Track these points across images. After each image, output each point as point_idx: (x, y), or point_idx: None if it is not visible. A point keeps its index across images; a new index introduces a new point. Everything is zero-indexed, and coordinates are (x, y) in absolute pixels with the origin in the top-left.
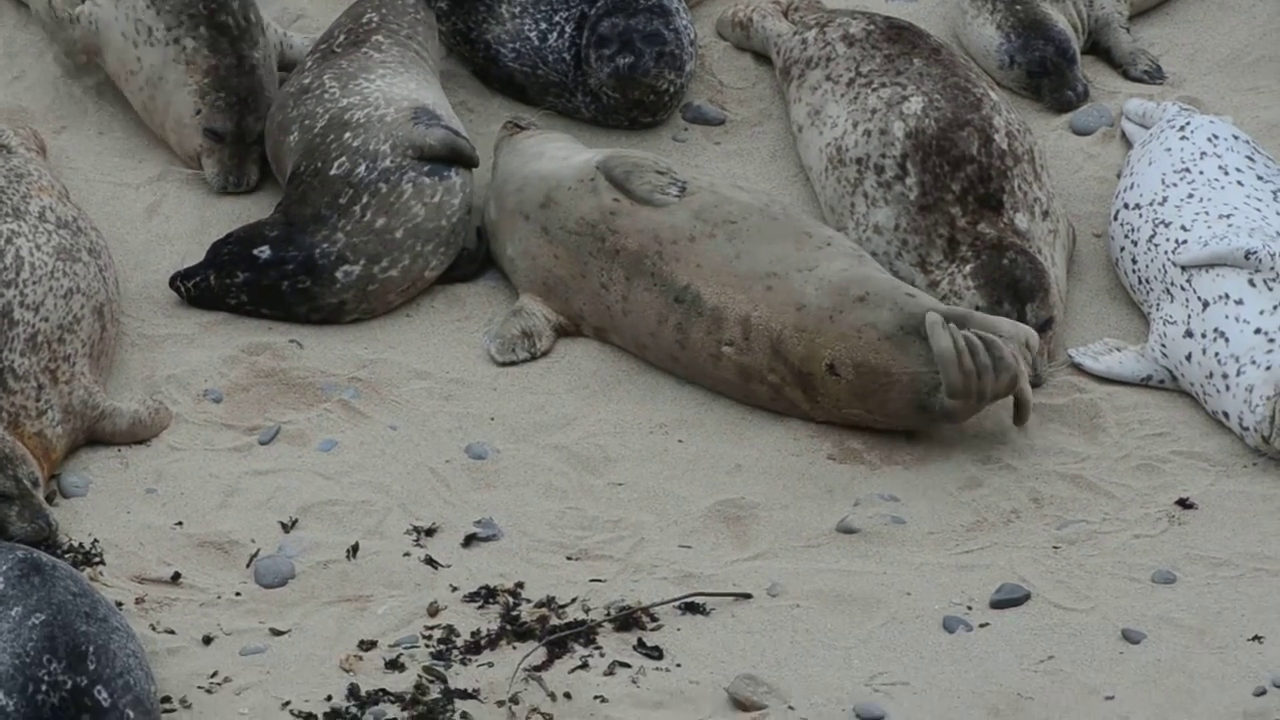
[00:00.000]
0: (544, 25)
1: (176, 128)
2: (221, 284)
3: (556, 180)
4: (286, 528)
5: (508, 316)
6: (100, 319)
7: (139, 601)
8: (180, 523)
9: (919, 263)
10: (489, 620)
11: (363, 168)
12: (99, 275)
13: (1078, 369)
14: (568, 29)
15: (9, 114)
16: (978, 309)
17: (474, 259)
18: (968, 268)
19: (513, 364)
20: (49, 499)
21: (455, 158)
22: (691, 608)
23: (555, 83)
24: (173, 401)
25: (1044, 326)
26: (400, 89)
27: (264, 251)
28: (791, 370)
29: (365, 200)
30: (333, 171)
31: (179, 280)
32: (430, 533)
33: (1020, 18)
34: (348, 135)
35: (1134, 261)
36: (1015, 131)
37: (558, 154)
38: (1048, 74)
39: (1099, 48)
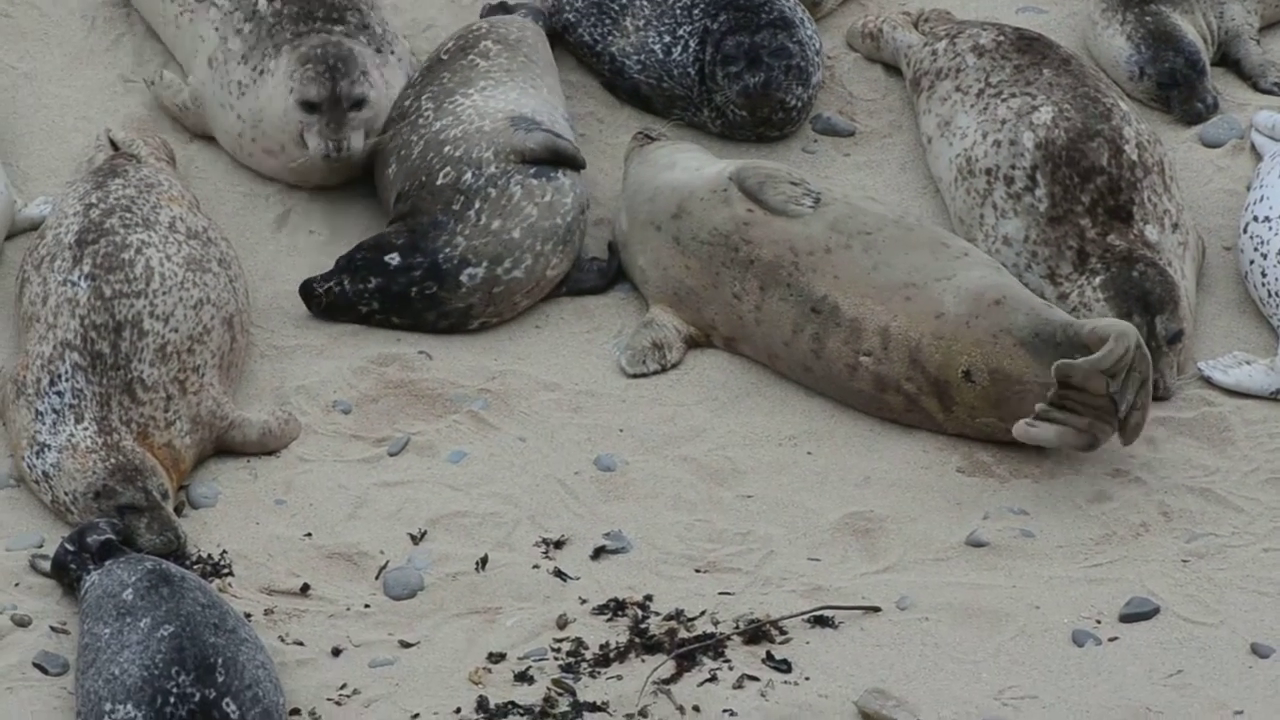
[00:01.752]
0: (668, 38)
1: (277, 133)
2: (355, 289)
3: (689, 190)
4: (415, 539)
5: (638, 328)
6: (230, 330)
7: (268, 613)
8: (309, 534)
9: (1048, 274)
10: (618, 633)
11: (469, 174)
12: (229, 286)
13: (1207, 382)
14: (691, 43)
15: (139, 124)
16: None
17: (605, 273)
18: (1097, 280)
19: (643, 376)
20: (178, 510)
21: (558, 159)
22: (820, 621)
23: (681, 96)
24: (302, 412)
25: (1174, 339)
26: (497, 101)
27: (394, 258)
28: (928, 379)
29: (478, 205)
30: (439, 181)
31: (313, 284)
32: (559, 545)
33: (1150, 29)
34: (447, 149)
35: (1263, 275)
36: (1145, 143)
37: (689, 164)
38: (1177, 85)
39: (1229, 59)
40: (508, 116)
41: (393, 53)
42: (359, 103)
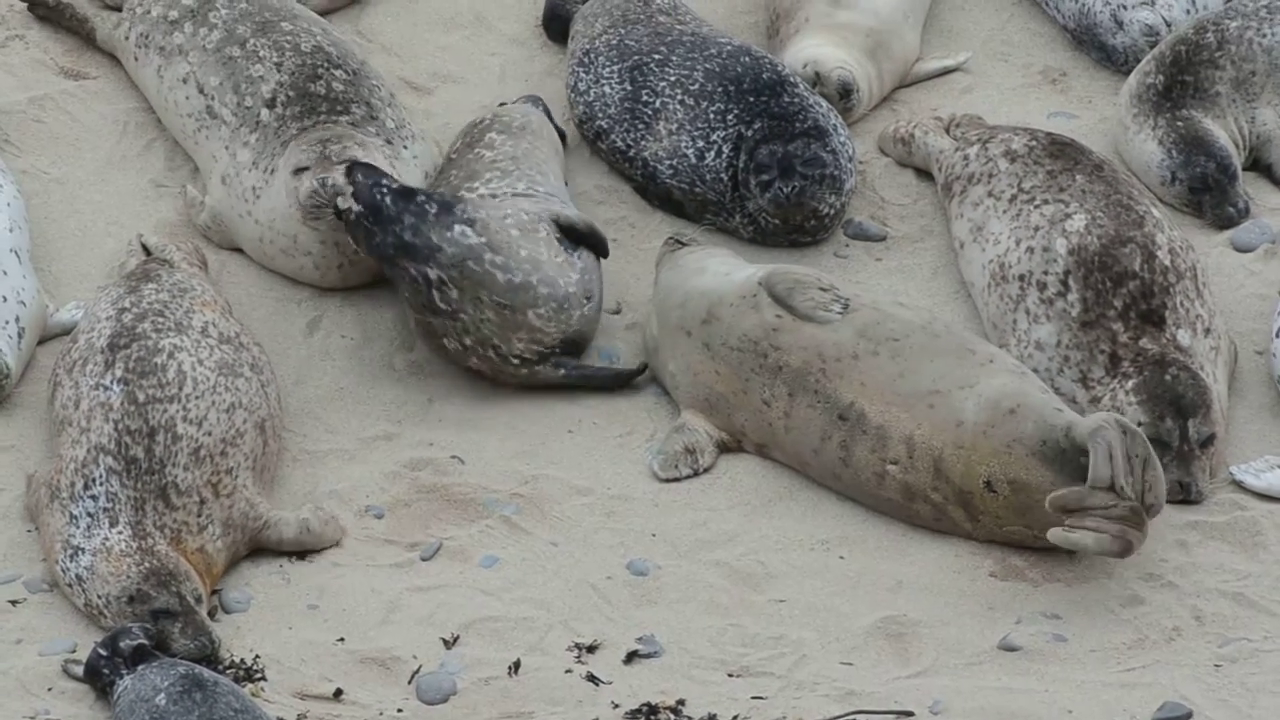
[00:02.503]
0: (701, 144)
1: (287, 225)
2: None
3: (718, 296)
4: (448, 644)
5: (670, 433)
6: (262, 434)
7: (301, 718)
8: (342, 639)
9: (1080, 379)
10: None
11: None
12: (261, 391)
13: (1239, 486)
14: (725, 149)
15: (171, 229)
16: (1139, 425)
17: (619, 375)
18: (1130, 383)
19: (675, 480)
20: (211, 614)
21: (593, 238)
22: None
23: (713, 201)
24: None
25: (1206, 443)
26: (501, 196)
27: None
28: (953, 489)
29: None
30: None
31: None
32: (592, 649)
33: (1182, 134)
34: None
35: None
36: (1178, 248)
37: (719, 270)
38: (1209, 190)
39: (1260, 164)
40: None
41: (405, 148)
42: (346, 159)
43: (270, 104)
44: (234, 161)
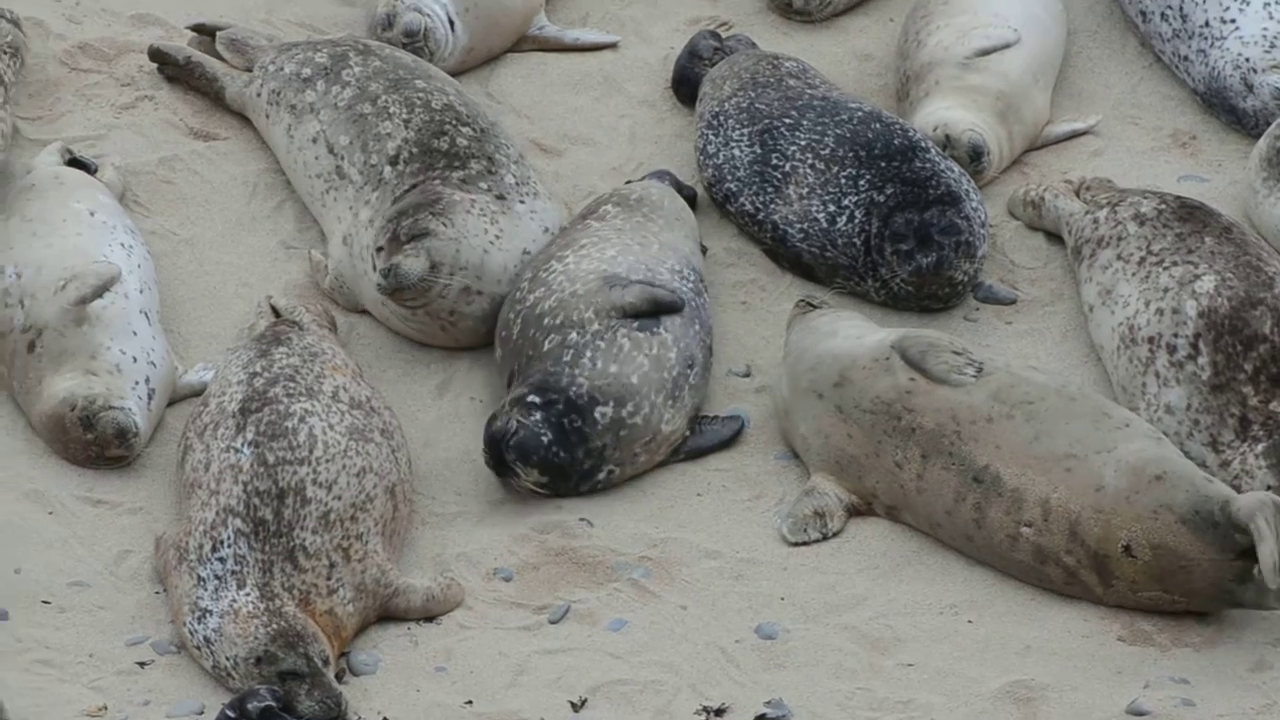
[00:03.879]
0: (832, 208)
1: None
2: (531, 426)
3: (851, 359)
4: (576, 707)
5: (800, 496)
6: (392, 499)
7: None
8: (470, 701)
9: (1210, 442)
10: None
11: (574, 334)
12: (391, 456)
13: None
14: (857, 214)
15: (300, 290)
16: (1269, 488)
17: (720, 435)
18: (1260, 447)
19: (805, 544)
20: (339, 677)
21: (658, 308)
22: None
23: (845, 265)
24: (463, 579)
25: None
26: (590, 262)
27: (534, 398)
28: (1088, 552)
29: (589, 354)
30: (546, 348)
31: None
32: (720, 713)
33: None
34: (546, 320)
35: None
36: None
37: (851, 333)
38: None
39: None
40: (599, 277)
41: (521, 202)
42: (418, 235)
43: (394, 161)
44: (355, 220)
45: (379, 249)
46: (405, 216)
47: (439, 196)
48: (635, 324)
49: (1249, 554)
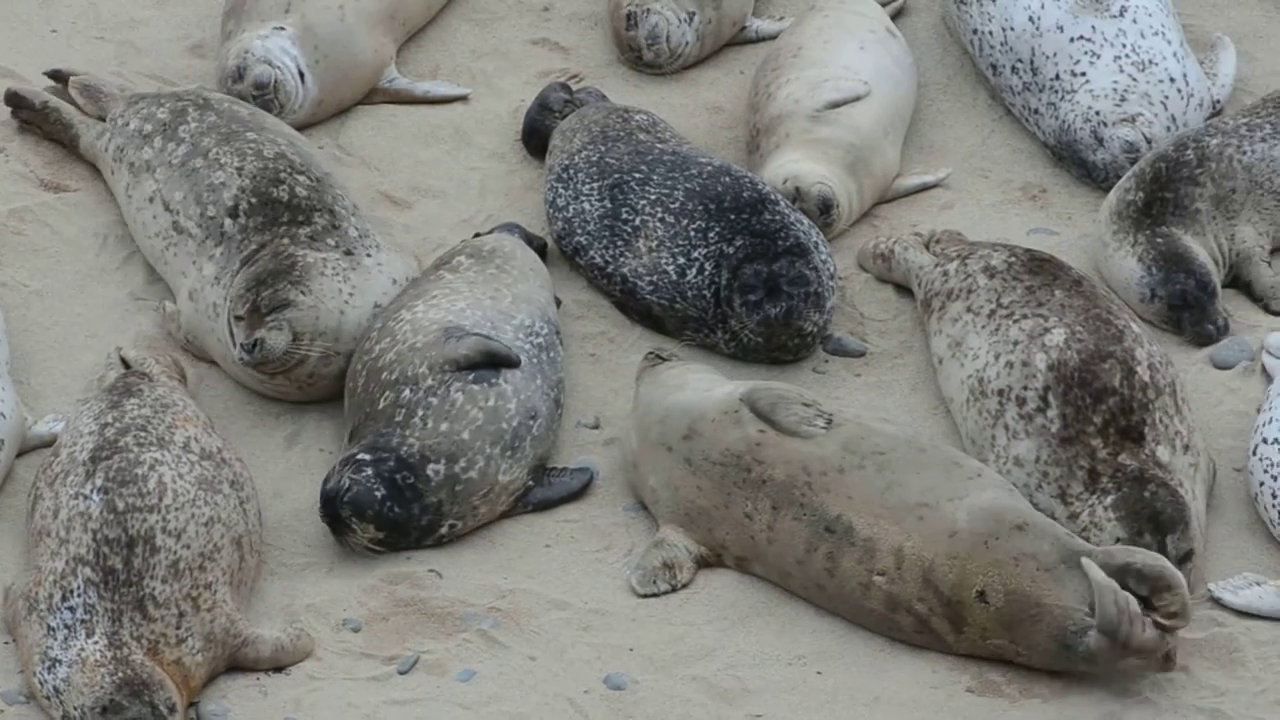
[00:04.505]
0: (682, 260)
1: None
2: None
3: (700, 412)
4: None
5: (649, 548)
6: (239, 549)
7: None
8: None
9: (1059, 494)
10: None
11: (407, 391)
12: (239, 507)
13: (1217, 603)
14: (707, 266)
15: (150, 342)
16: (1117, 540)
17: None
18: (1109, 499)
19: (654, 595)
20: None
21: (493, 361)
22: None
23: (694, 317)
24: (312, 630)
25: (1184, 559)
26: (438, 312)
27: (364, 456)
28: (940, 599)
29: (420, 413)
30: (380, 406)
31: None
32: None
33: (1161, 251)
34: (384, 375)
35: (1274, 496)
36: (1157, 364)
37: (700, 385)
38: (1189, 308)
39: (1240, 281)
40: (442, 328)
41: (368, 255)
42: (278, 307)
43: (233, 213)
44: (200, 275)
45: (238, 317)
46: (264, 286)
47: (293, 261)
48: (471, 376)
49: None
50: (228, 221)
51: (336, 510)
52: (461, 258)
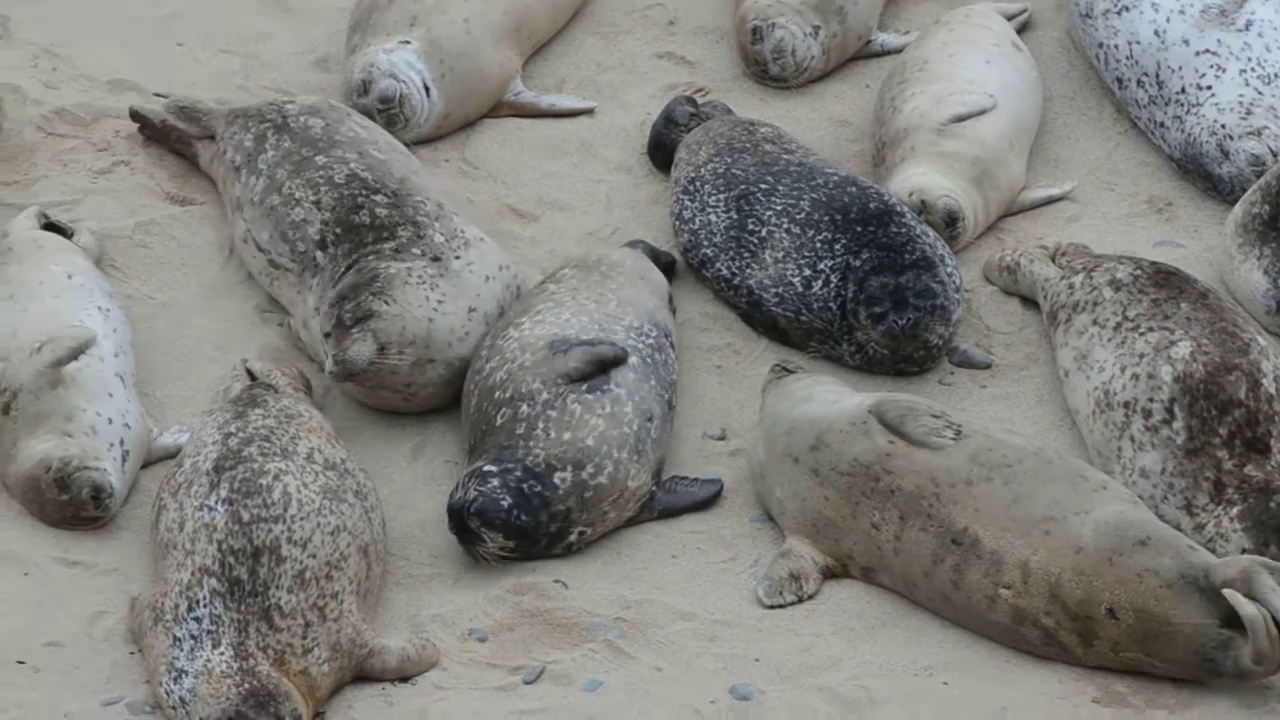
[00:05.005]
0: (808, 272)
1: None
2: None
3: (827, 423)
4: None
5: (775, 558)
6: (366, 558)
7: None
8: None
9: (1184, 506)
10: None
11: (524, 407)
12: (364, 516)
13: None
14: (833, 279)
15: (275, 353)
16: (1244, 551)
17: (695, 498)
18: (1234, 510)
19: (780, 606)
20: None
21: (602, 366)
22: None
23: (820, 329)
24: (438, 640)
25: None
26: (544, 328)
27: (491, 468)
28: (1068, 614)
29: (541, 425)
30: (499, 423)
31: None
32: None
33: None
34: (497, 394)
35: None
36: None
37: (827, 397)
38: None
39: None
40: (546, 343)
41: (457, 258)
42: (362, 319)
43: (321, 245)
44: (306, 307)
45: (325, 335)
46: (347, 300)
47: (376, 274)
48: (584, 387)
49: (1233, 623)
50: (319, 254)
51: (464, 521)
52: (566, 270)
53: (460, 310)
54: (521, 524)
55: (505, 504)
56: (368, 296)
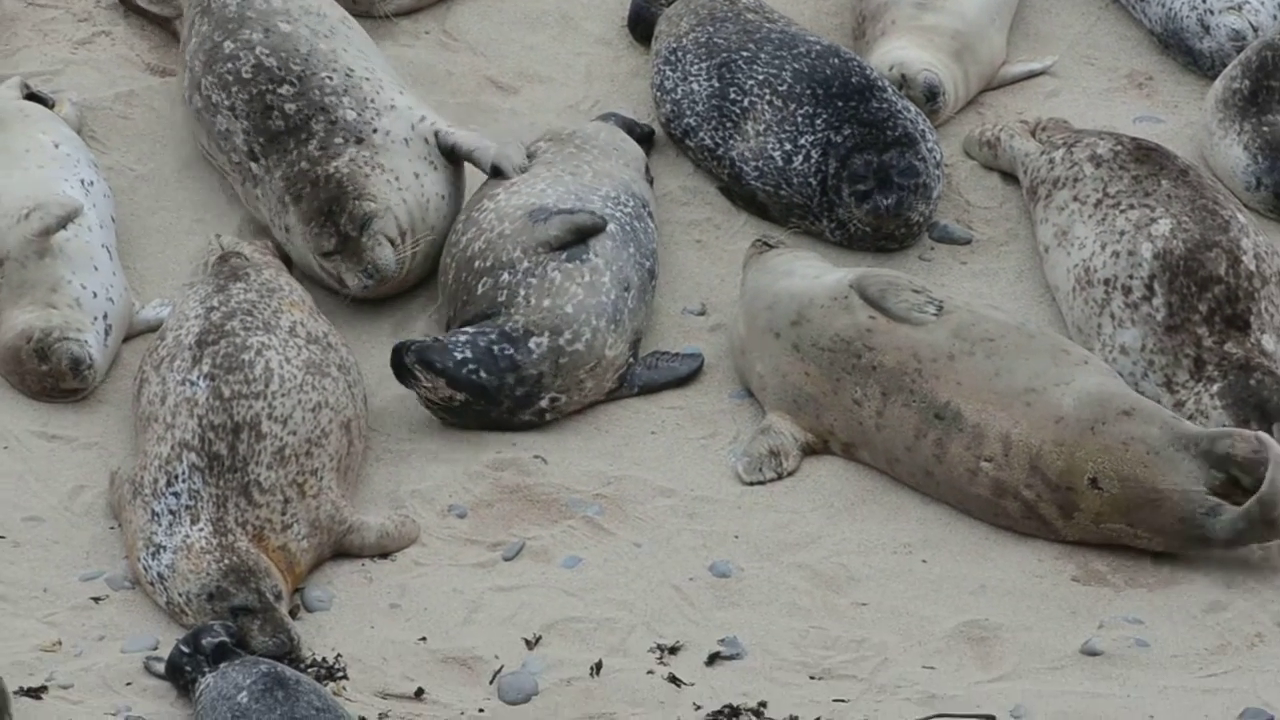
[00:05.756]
0: (788, 147)
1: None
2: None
3: (808, 298)
4: (530, 644)
5: (755, 435)
6: (348, 434)
7: (382, 717)
8: (424, 638)
9: (1165, 383)
10: None
11: (505, 275)
12: (348, 391)
13: None
14: (814, 154)
15: (255, 227)
16: (1223, 426)
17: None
18: (1214, 387)
19: (760, 483)
20: (292, 613)
21: (580, 234)
22: None
23: (800, 205)
24: (417, 516)
25: None
26: (520, 198)
27: (464, 331)
28: (1048, 485)
29: (523, 293)
30: (479, 292)
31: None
32: (674, 651)
33: (1267, 139)
34: (476, 264)
35: None
36: (1263, 254)
37: (808, 272)
38: None
39: None
40: (525, 212)
41: (374, 130)
42: (363, 224)
43: (251, 155)
44: (263, 214)
45: (326, 255)
46: (334, 215)
47: (335, 179)
48: (564, 255)
49: (1222, 490)
50: (253, 165)
51: (401, 358)
52: (541, 143)
53: (409, 176)
54: (481, 381)
55: (458, 356)
56: (351, 202)
